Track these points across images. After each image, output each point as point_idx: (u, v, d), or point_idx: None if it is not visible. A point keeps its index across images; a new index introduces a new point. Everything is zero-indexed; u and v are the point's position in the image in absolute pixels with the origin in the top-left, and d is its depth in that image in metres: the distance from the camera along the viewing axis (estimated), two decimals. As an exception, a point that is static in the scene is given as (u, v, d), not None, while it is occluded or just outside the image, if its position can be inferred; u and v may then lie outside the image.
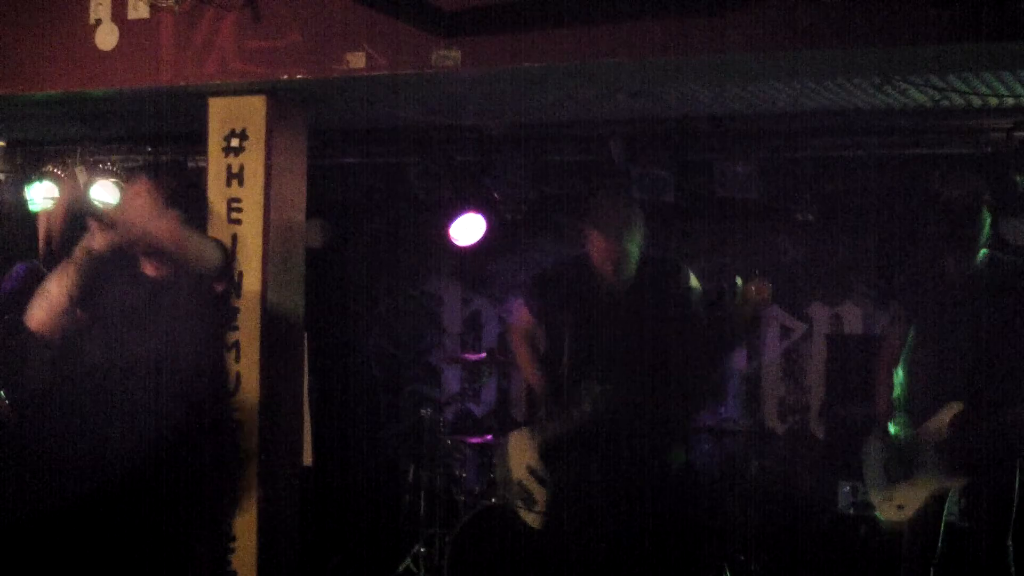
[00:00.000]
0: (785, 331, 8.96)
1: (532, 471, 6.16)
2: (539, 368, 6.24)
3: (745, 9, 5.41)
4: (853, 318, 8.78)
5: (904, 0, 5.19)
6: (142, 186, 5.13)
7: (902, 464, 6.03)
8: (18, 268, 7.43)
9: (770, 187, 7.95)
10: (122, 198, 5.15)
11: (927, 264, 6.20)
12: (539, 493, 6.14)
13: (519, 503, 6.21)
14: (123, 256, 5.04)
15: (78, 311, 5.02)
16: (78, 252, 4.97)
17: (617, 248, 5.96)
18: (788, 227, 8.38)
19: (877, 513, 6.16)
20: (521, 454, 6.23)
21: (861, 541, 7.48)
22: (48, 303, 5.00)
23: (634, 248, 5.99)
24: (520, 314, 6.42)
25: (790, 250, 8.71)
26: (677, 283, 6.07)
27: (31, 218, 8.80)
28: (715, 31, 5.48)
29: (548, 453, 6.11)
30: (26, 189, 8.83)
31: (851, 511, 7.77)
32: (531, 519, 6.17)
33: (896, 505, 6.03)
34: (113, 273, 5.07)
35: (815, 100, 7.16)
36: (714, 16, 5.47)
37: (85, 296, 4.98)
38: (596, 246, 6.02)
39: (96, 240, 4.92)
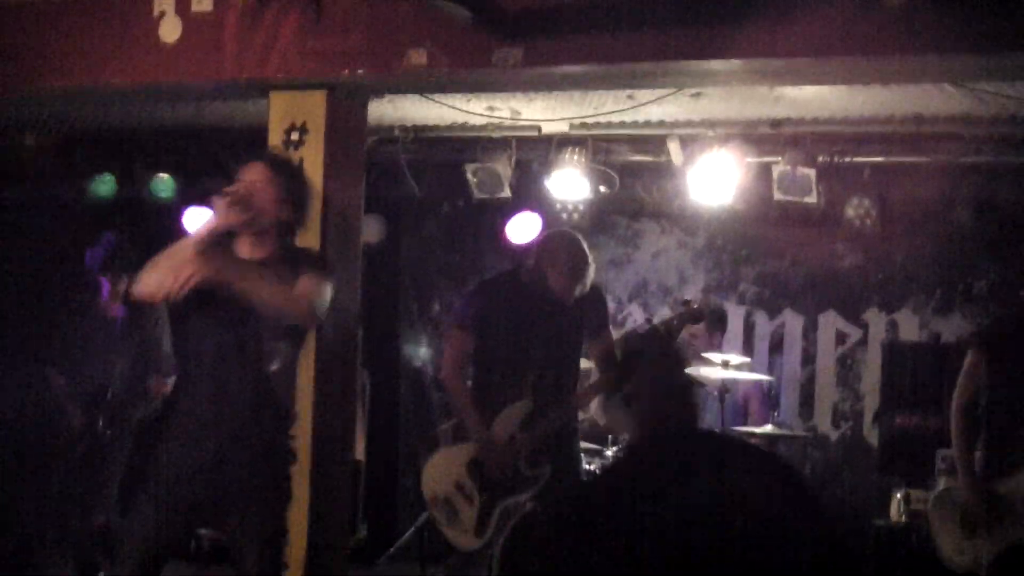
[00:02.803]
0: (840, 336, 8.91)
1: (460, 487, 6.26)
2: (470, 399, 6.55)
3: (805, 14, 5.39)
4: (910, 325, 8.72)
5: (969, 9, 5.16)
6: (262, 171, 5.09)
7: (982, 516, 5.92)
8: (107, 237, 7.50)
9: (828, 192, 7.91)
10: (245, 180, 5.06)
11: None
12: (465, 510, 6.23)
13: (443, 521, 6.30)
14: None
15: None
16: (202, 228, 4.93)
17: (575, 284, 6.32)
18: (846, 232, 8.32)
19: (947, 563, 6.09)
20: (448, 471, 6.35)
21: (912, 550, 7.42)
22: (158, 274, 4.91)
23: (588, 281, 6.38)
24: (455, 341, 6.69)
25: (847, 255, 8.67)
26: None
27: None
28: (772, 35, 5.47)
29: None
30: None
31: (903, 519, 7.71)
32: (453, 536, 6.26)
33: (971, 557, 5.95)
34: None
35: (874, 106, 7.14)
36: (772, 20, 5.46)
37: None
38: (556, 281, 6.31)
39: (222, 218, 4.89)
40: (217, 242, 4.89)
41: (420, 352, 9.88)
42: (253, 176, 5.03)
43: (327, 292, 5.12)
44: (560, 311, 6.34)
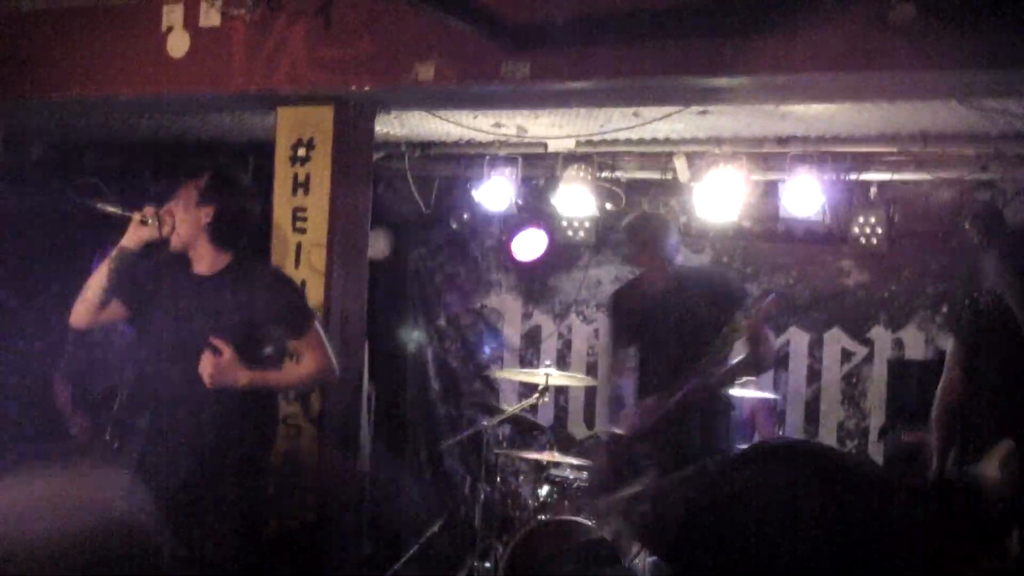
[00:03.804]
0: (846, 354, 8.90)
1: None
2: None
3: (812, 31, 5.39)
4: (915, 343, 8.71)
5: (976, 25, 5.16)
6: (186, 194, 5.21)
7: None
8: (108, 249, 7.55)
9: (835, 209, 7.91)
10: (170, 203, 5.21)
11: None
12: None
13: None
14: (174, 256, 5.15)
15: (115, 306, 5.16)
16: (114, 250, 5.13)
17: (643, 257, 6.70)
18: (852, 250, 8.33)
19: None
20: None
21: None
22: (83, 299, 5.16)
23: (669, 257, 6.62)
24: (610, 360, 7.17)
25: (853, 273, 8.67)
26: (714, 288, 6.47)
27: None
28: (779, 51, 5.48)
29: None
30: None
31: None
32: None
33: None
34: (162, 272, 5.18)
35: (881, 123, 7.14)
36: (779, 37, 5.47)
37: (116, 291, 5.12)
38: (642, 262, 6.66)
39: (128, 237, 5.09)
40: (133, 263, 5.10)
41: (426, 365, 9.88)
42: (178, 198, 5.18)
43: (324, 339, 5.25)
44: (668, 296, 6.51)
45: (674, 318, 6.58)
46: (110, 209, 5.24)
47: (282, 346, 5.28)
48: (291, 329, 5.20)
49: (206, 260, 5.17)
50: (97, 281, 5.16)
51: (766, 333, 6.45)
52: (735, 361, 6.54)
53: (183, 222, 5.12)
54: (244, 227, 5.25)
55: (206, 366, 4.93)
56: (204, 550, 4.99)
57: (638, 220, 6.96)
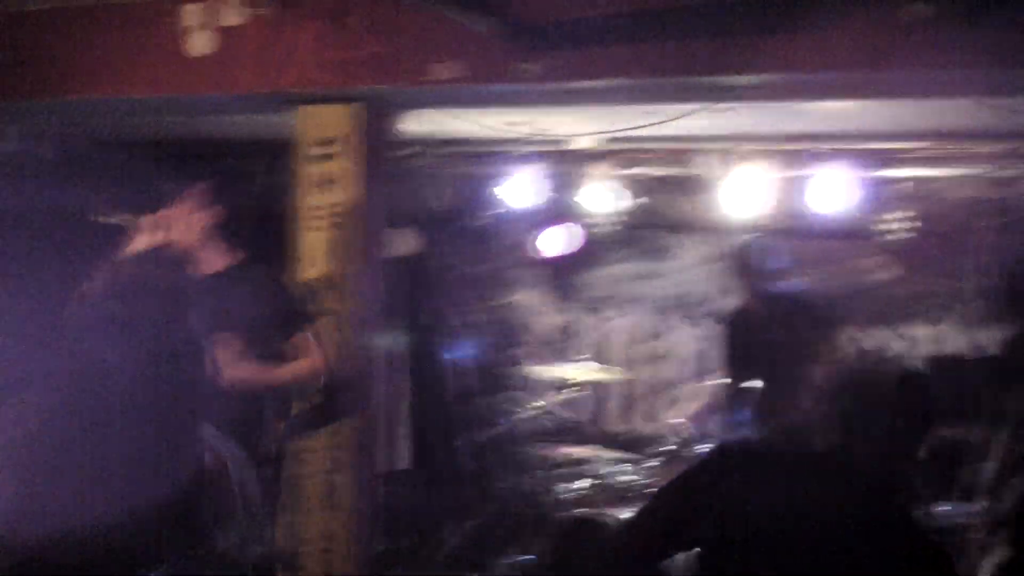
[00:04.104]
0: (883, 350, 8.86)
1: None
2: None
3: (834, 28, 5.38)
4: (952, 337, 8.67)
5: (997, 23, 5.14)
6: (190, 201, 5.26)
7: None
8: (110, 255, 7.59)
9: (862, 205, 7.88)
10: (173, 209, 5.27)
11: None
12: None
13: None
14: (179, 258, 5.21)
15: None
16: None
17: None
18: (879, 246, 8.29)
19: None
20: None
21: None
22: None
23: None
24: None
25: (879, 270, 8.62)
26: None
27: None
28: (798, 49, 5.47)
29: None
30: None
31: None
32: None
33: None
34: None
35: (908, 120, 7.11)
36: (798, 34, 5.46)
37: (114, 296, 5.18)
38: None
39: (133, 243, 5.14)
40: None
41: (459, 362, 9.92)
42: (182, 202, 5.22)
43: (319, 341, 5.32)
44: (769, 323, 6.57)
45: (774, 344, 6.54)
46: (116, 220, 5.29)
47: (278, 345, 5.34)
48: (288, 328, 5.26)
49: (212, 261, 5.23)
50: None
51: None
52: None
53: (188, 226, 5.18)
54: (249, 227, 5.30)
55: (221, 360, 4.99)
56: None
57: (741, 250, 6.94)
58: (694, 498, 4.02)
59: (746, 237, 7.21)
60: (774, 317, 6.62)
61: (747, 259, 6.83)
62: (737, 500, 3.95)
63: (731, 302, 8.83)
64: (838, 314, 6.60)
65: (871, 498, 3.96)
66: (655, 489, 7.46)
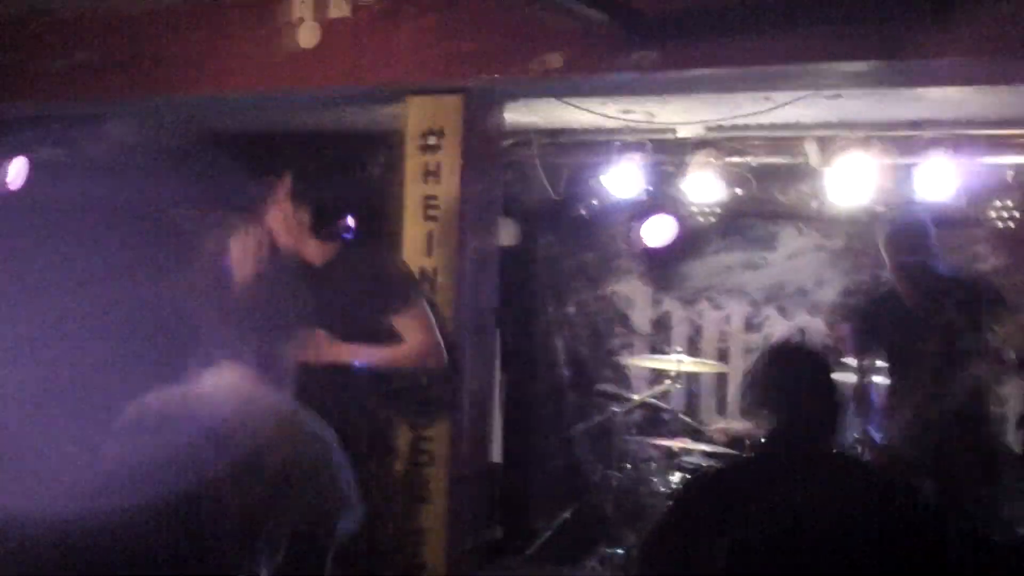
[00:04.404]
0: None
1: None
2: None
3: (951, 16, 5.31)
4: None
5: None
6: (280, 208, 5.27)
7: None
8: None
9: (970, 193, 7.78)
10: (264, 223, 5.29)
11: None
12: None
13: None
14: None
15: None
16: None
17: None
18: (987, 234, 8.19)
19: None
20: None
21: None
22: None
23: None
24: None
25: (989, 257, 8.50)
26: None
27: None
28: (923, 37, 5.40)
29: None
30: None
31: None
32: None
33: None
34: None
35: (1017, 107, 7.02)
36: (910, 22, 5.40)
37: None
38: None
39: (239, 273, 5.15)
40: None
41: (556, 352, 9.90)
42: (274, 205, 5.22)
43: (431, 319, 5.28)
44: (923, 305, 6.50)
45: (931, 331, 6.48)
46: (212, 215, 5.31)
47: (386, 325, 5.29)
48: (394, 303, 5.23)
49: (315, 255, 5.25)
50: None
51: None
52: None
53: (285, 227, 5.20)
54: (344, 217, 5.31)
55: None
56: None
57: (893, 233, 6.86)
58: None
59: (889, 216, 7.10)
60: (940, 300, 6.53)
61: (895, 239, 6.73)
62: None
63: (830, 293, 8.81)
64: (995, 295, 6.56)
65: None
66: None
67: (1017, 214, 7.81)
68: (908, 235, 6.71)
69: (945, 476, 6.25)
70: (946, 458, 6.32)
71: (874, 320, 6.90)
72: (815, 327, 8.82)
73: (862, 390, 6.94)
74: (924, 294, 6.57)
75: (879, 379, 7.05)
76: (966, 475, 6.31)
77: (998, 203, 7.82)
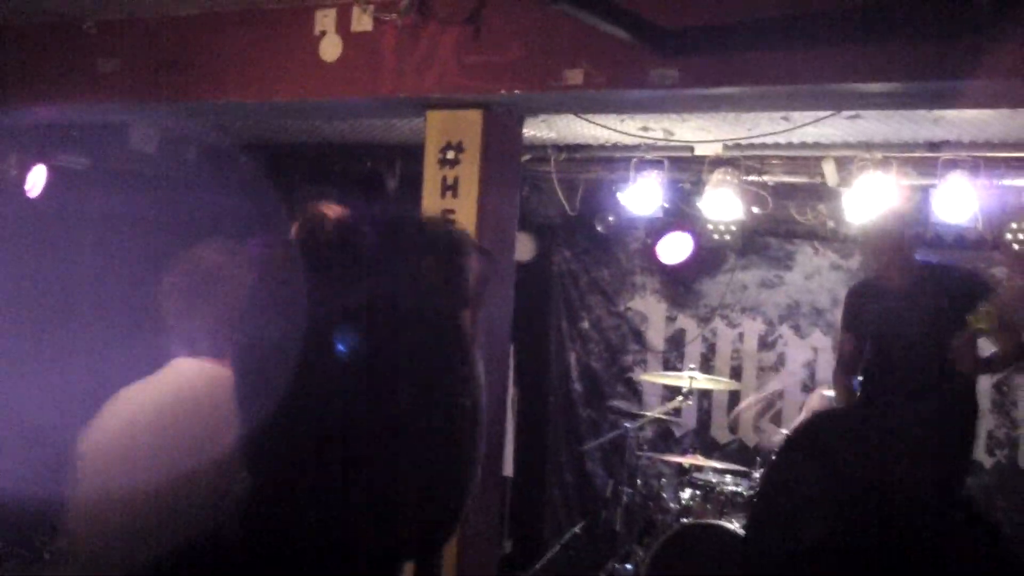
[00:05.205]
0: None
1: None
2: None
3: (973, 36, 5.31)
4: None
5: None
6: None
7: None
8: None
9: (987, 215, 7.77)
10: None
11: None
12: None
13: None
14: None
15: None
16: None
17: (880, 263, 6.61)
18: (1005, 257, 8.17)
19: None
20: None
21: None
22: None
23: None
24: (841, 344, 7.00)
25: (1005, 279, 8.50)
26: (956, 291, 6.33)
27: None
28: (950, 58, 5.40)
29: None
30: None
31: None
32: None
33: None
34: None
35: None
36: (940, 41, 5.39)
37: None
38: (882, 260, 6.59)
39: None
40: None
41: (569, 368, 9.90)
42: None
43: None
44: (909, 295, 6.47)
45: (914, 317, 6.48)
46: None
47: None
48: None
49: None
50: None
51: (1011, 321, 6.29)
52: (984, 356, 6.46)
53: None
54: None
55: None
56: None
57: (879, 223, 6.82)
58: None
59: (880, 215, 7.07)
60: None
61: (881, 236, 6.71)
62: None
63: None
64: (981, 286, 6.53)
65: None
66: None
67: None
68: (887, 224, 6.69)
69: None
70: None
71: (859, 308, 6.89)
72: (828, 346, 8.83)
73: None
74: (910, 281, 6.57)
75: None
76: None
77: (1015, 225, 7.80)
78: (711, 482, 8.03)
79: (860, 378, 6.87)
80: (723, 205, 8.26)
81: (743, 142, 7.86)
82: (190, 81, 7.06)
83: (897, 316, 6.54)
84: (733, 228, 8.71)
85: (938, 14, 5.35)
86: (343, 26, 6.65)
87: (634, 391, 9.73)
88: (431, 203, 6.62)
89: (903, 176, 7.62)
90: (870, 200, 7.59)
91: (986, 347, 6.56)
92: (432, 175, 6.66)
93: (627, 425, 8.68)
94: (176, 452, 2.80)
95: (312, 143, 9.05)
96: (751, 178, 8.31)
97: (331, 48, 6.66)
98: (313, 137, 8.83)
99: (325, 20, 6.68)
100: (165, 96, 7.18)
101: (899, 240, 6.53)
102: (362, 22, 6.58)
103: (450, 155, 6.61)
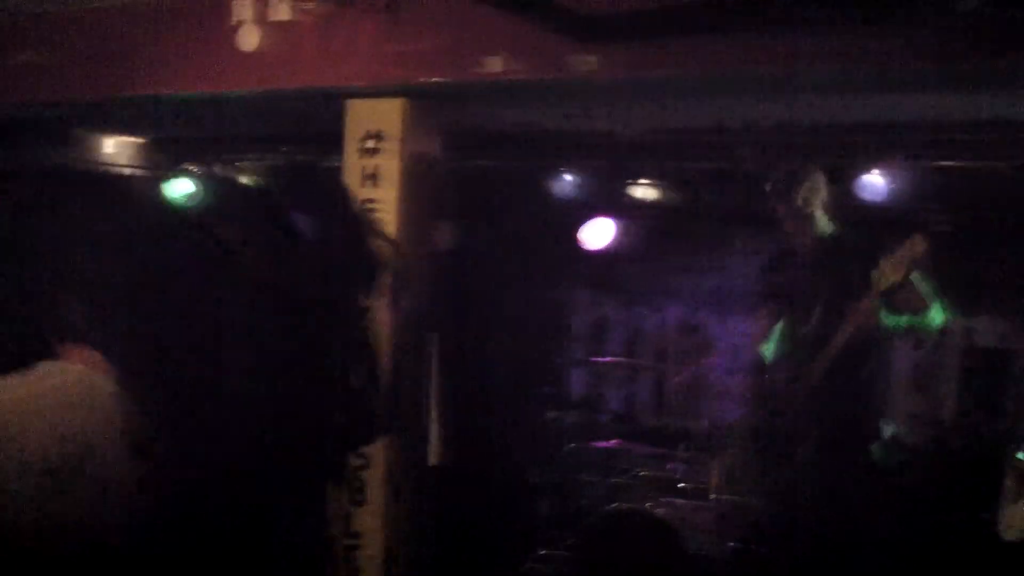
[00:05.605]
0: (918, 343, 8.82)
1: None
2: None
3: (907, 23, 5.34)
4: (987, 331, 8.64)
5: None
6: None
7: (1017, 486, 5.90)
8: None
9: (903, 197, 7.84)
10: None
11: None
12: None
13: None
14: None
15: None
16: None
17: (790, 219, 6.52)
18: (924, 236, 8.25)
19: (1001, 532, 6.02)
20: None
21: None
22: None
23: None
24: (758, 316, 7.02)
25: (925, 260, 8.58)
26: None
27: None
28: (860, 41, 5.43)
29: None
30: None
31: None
32: None
33: (1007, 526, 5.87)
34: None
35: (951, 109, 7.08)
36: (858, 27, 5.42)
37: None
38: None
39: None
40: None
41: (495, 357, 9.90)
42: None
43: None
44: (817, 259, 6.48)
45: (824, 284, 6.50)
46: None
47: None
48: None
49: None
50: None
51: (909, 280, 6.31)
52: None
53: None
54: None
55: None
56: None
57: (791, 177, 6.84)
58: None
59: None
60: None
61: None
62: None
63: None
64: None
65: None
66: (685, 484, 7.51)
67: (950, 217, 7.87)
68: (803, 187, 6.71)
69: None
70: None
71: (769, 279, 6.94)
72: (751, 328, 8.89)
73: None
74: (819, 247, 6.60)
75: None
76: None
77: (929, 206, 7.88)
78: (635, 467, 8.08)
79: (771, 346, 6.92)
80: (646, 191, 8.28)
81: (666, 127, 7.87)
82: (107, 74, 6.97)
83: (809, 285, 6.58)
84: (657, 214, 8.73)
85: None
86: (261, 15, 6.58)
87: (559, 378, 9.75)
88: (352, 193, 6.58)
89: (826, 160, 7.67)
90: (789, 183, 7.63)
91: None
92: (352, 165, 6.62)
93: (552, 412, 8.70)
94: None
95: (246, 135, 8.97)
96: (675, 164, 8.33)
97: (248, 38, 6.59)
98: (247, 129, 8.76)
99: (242, 9, 6.61)
100: (80, 91, 7.10)
101: (809, 212, 6.56)
102: (280, 11, 6.53)
103: (370, 144, 6.57)
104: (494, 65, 6.07)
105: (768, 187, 7.19)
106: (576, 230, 9.06)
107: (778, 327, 6.73)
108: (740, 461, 7.04)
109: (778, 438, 6.30)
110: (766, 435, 6.46)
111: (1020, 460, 5.93)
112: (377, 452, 6.44)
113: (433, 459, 8.89)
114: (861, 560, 6.37)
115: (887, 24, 5.33)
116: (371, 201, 6.53)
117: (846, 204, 7.81)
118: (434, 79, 6.26)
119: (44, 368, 2.69)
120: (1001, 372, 8.46)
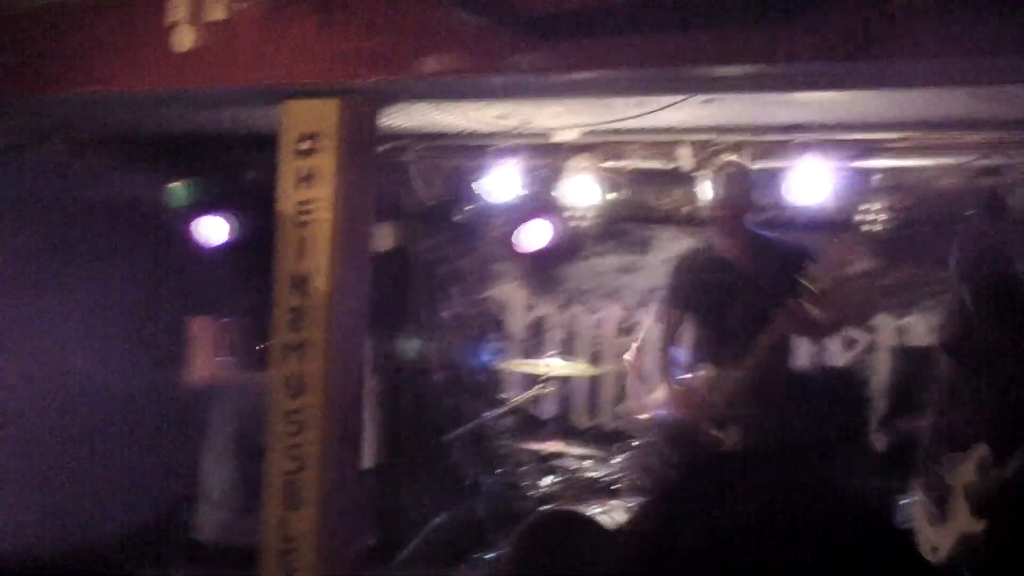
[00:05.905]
0: (849, 342, 8.89)
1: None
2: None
3: (820, 17, 5.36)
4: (918, 330, 8.71)
5: (975, 11, 5.14)
6: None
7: (937, 506, 5.94)
8: None
9: (838, 197, 7.89)
10: None
11: None
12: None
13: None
14: None
15: None
16: None
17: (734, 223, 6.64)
18: (855, 237, 8.32)
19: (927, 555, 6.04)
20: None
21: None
22: None
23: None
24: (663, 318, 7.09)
25: (858, 260, 8.64)
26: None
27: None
28: (789, 39, 5.45)
29: None
30: None
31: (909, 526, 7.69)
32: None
33: (931, 548, 5.89)
34: None
35: (888, 111, 7.12)
36: (783, 24, 5.44)
37: None
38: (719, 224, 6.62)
39: None
40: None
41: (430, 358, 9.88)
42: None
43: None
44: (741, 262, 6.47)
45: (745, 286, 6.52)
46: None
47: None
48: None
49: None
50: None
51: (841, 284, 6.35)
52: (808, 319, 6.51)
53: None
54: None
55: None
56: None
57: (727, 177, 6.84)
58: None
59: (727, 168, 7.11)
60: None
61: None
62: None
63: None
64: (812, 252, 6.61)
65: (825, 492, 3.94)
66: (619, 485, 7.50)
67: (883, 217, 7.93)
68: (730, 186, 6.75)
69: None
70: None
71: (685, 280, 6.98)
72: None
73: None
74: (741, 252, 6.63)
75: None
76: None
77: (865, 206, 7.94)
78: (571, 468, 8.07)
79: (682, 350, 6.96)
80: (582, 191, 8.30)
81: (600, 128, 7.87)
82: (41, 74, 6.89)
83: (729, 286, 6.61)
84: (592, 214, 8.75)
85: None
86: (196, 15, 6.52)
87: (495, 379, 9.74)
88: (288, 195, 6.54)
89: (756, 159, 7.71)
90: (721, 183, 7.68)
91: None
92: (289, 166, 6.56)
93: (488, 413, 8.69)
94: None
95: (182, 135, 8.89)
96: (609, 164, 8.35)
97: (183, 38, 6.53)
98: (183, 128, 8.68)
99: (177, 10, 6.55)
100: (25, 88, 7.01)
101: (734, 210, 6.58)
102: (215, 11, 6.46)
103: (305, 146, 6.52)
104: (432, 64, 6.04)
105: (699, 187, 7.22)
106: (512, 231, 9.05)
107: (691, 329, 6.78)
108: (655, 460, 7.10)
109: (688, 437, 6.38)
110: (680, 436, 6.54)
111: (941, 478, 5.95)
112: (312, 456, 6.40)
113: (368, 462, 8.85)
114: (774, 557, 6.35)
115: (816, 20, 5.37)
116: (306, 202, 6.49)
117: (776, 205, 7.88)
118: (371, 79, 6.22)
119: None
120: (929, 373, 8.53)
